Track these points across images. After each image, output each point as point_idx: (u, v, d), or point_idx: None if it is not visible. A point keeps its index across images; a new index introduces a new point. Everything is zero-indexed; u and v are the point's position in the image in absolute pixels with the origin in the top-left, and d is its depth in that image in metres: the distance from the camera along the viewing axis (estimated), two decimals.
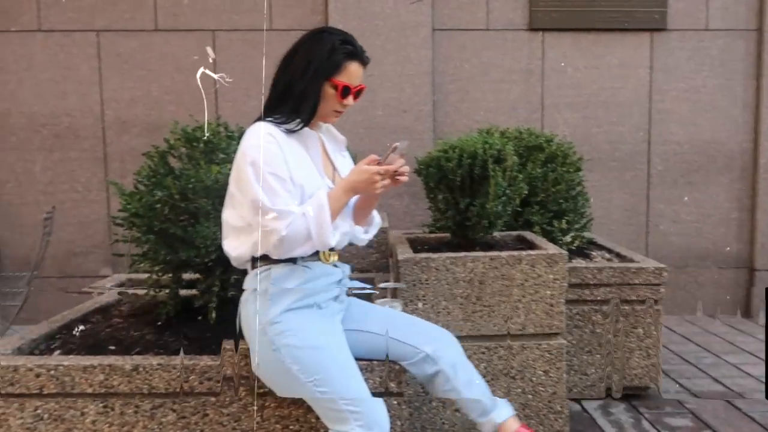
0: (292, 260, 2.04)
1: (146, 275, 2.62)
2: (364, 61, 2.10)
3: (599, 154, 5.44)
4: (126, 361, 2.13)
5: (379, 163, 2.04)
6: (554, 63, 5.40)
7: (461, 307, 2.80)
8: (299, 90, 2.04)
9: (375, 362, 2.15)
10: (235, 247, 2.09)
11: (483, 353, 2.83)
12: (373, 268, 3.47)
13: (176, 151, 2.67)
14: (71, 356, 2.19)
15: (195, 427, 2.12)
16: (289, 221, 1.94)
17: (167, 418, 2.12)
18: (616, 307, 3.25)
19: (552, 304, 2.82)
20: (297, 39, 2.14)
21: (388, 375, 2.15)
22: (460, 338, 2.73)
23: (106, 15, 5.31)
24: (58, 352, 2.34)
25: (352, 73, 2.07)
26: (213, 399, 2.12)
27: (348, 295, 2.28)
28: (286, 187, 1.97)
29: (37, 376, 2.10)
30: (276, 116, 2.06)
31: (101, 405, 2.11)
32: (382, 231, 3.50)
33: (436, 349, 2.13)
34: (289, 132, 2.05)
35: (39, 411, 2.11)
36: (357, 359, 2.04)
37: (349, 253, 3.47)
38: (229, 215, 2.09)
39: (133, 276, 3.05)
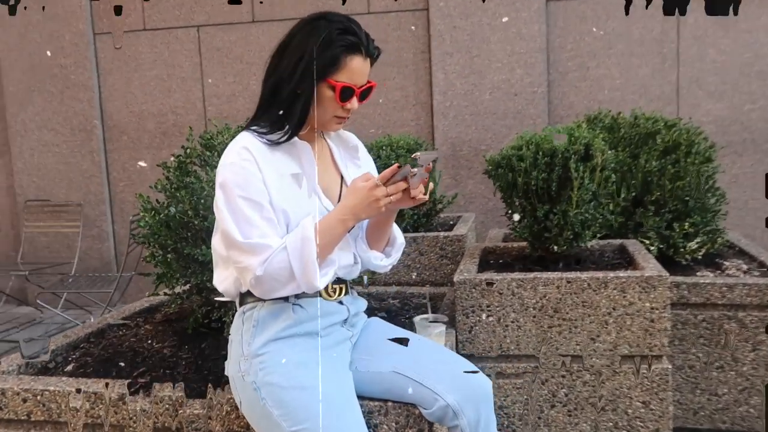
0: (283, 297, 1.68)
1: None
2: (370, 53, 1.66)
3: (753, 135, 4.55)
4: (112, 390, 1.88)
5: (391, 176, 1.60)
6: (694, 29, 4.56)
7: (535, 321, 2.30)
8: (287, 92, 1.65)
9: (391, 404, 1.74)
10: (221, 280, 1.76)
11: (563, 377, 2.31)
12: (447, 281, 3.02)
13: (199, 160, 2.40)
14: (62, 379, 1.99)
15: None
16: (265, 257, 1.57)
17: None
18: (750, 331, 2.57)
19: (652, 319, 2.24)
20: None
21: (406, 421, 1.73)
22: (533, 358, 2.28)
23: (206, 9, 5.22)
24: (71, 365, 2.18)
25: (355, 69, 1.63)
26: None
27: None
28: (264, 214, 1.60)
29: (24, 401, 1.92)
30: (260, 124, 1.69)
31: None
32: (458, 239, 3.04)
33: (461, 400, 1.67)
34: (274, 144, 1.66)
35: None
36: (368, 399, 1.69)
37: (420, 264, 3.05)
38: (215, 242, 1.76)
39: None
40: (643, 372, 2.27)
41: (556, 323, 2.29)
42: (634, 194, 3.03)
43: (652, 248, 2.95)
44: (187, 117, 5.35)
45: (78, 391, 1.89)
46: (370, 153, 3.07)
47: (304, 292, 1.66)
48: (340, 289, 1.79)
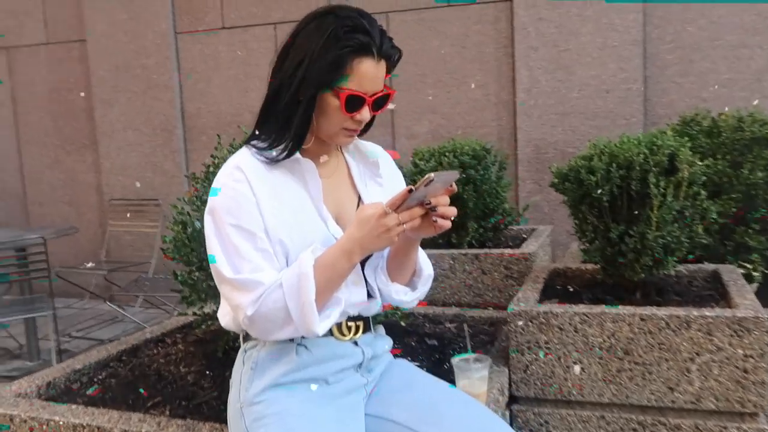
0: None
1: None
2: (385, 55, 1.40)
3: None
4: (114, 425, 1.73)
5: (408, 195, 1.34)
6: None
7: (601, 363, 1.97)
8: (286, 101, 1.41)
9: None
10: (223, 314, 1.56)
11: (634, 431, 1.97)
12: None
13: None
14: (72, 408, 1.87)
15: None
16: (258, 295, 1.35)
17: None
18: None
19: (746, 368, 1.86)
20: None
21: None
22: (599, 406, 1.95)
23: (283, 6, 5.09)
24: (94, 387, 2.06)
25: (364, 74, 1.37)
26: None
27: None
28: (258, 244, 1.37)
29: (31, 429, 1.81)
30: (261, 138, 1.47)
31: None
32: (525, 258, 2.71)
33: None
34: (273, 162, 1.44)
35: None
36: None
37: (482, 284, 2.76)
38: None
39: None
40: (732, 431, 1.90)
41: (626, 367, 1.94)
42: (734, 210, 2.61)
43: (755, 274, 2.53)
44: None
45: (83, 426, 1.75)
46: (431, 159, 2.83)
47: None
48: (357, 327, 1.54)
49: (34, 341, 4.22)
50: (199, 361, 2.22)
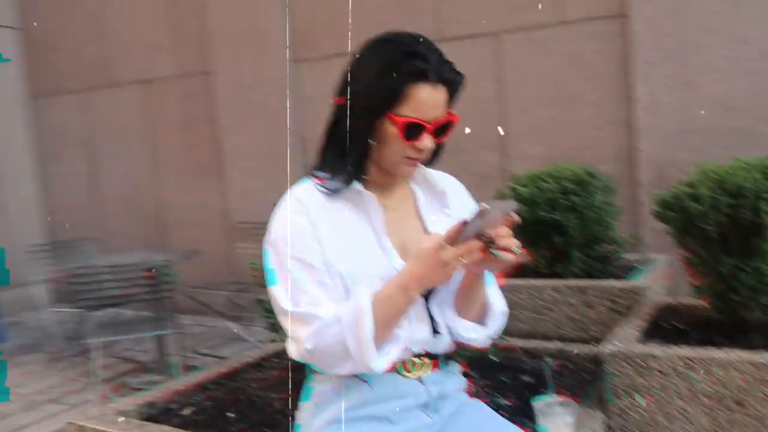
0: None
1: None
2: (444, 79, 1.37)
3: None
4: None
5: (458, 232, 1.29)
6: None
7: (709, 414, 1.79)
8: (345, 130, 1.41)
9: None
10: (289, 344, 1.57)
11: None
12: None
13: None
14: (163, 428, 1.94)
15: None
16: (315, 329, 1.34)
17: None
18: None
19: None
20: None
21: None
22: None
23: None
24: (189, 410, 2.15)
25: (422, 101, 1.34)
26: None
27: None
28: (316, 277, 1.37)
29: None
30: (325, 168, 1.47)
31: None
32: (633, 292, 2.54)
33: None
34: (334, 193, 1.43)
35: None
36: None
37: (587, 318, 2.61)
38: None
39: None
40: None
41: (738, 419, 1.76)
42: None
43: None
44: None
45: None
46: (528, 184, 2.73)
47: None
48: (423, 364, 1.49)
49: (163, 357, 4.48)
50: (289, 389, 2.25)
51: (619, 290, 2.54)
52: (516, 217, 1.33)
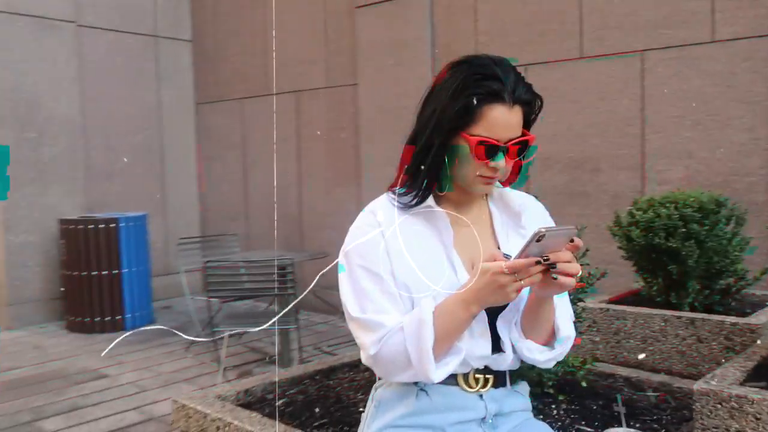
0: None
1: None
2: (519, 100, 1.39)
3: None
4: None
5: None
6: None
7: None
8: (421, 148, 1.47)
9: None
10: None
11: None
12: None
13: None
14: (251, 415, 2.09)
15: None
16: (380, 336, 1.41)
17: None
18: None
19: None
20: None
21: None
22: None
23: (536, 48, 5.10)
24: (282, 401, 2.30)
25: (495, 121, 1.38)
26: None
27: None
28: (384, 287, 1.44)
29: (217, 428, 2.08)
30: (404, 185, 1.53)
31: None
32: (750, 330, 2.36)
33: None
34: (408, 208, 1.49)
35: None
36: None
37: (698, 354, 2.46)
38: None
39: None
40: None
41: None
42: None
43: None
44: None
45: None
46: (648, 210, 2.63)
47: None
48: (486, 380, 1.51)
49: (287, 350, 4.73)
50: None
51: (733, 326, 2.37)
52: (579, 242, 1.32)
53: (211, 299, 4.42)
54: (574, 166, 4.96)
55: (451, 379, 1.48)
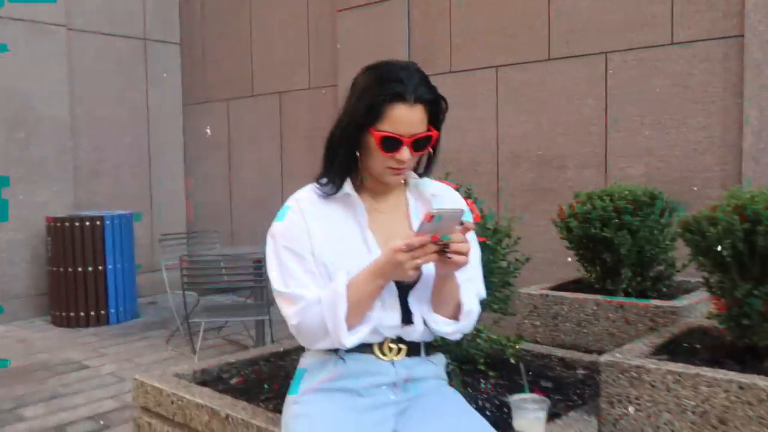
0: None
1: None
2: (418, 100, 1.56)
3: None
4: (223, 409, 2.07)
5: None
6: None
7: (694, 429, 1.81)
8: (335, 143, 1.65)
9: None
10: None
11: None
12: None
13: None
14: (202, 390, 2.25)
15: None
16: (300, 308, 1.58)
17: None
18: None
19: None
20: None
21: None
22: None
23: (506, 50, 5.27)
24: (235, 379, 2.45)
25: (397, 118, 1.56)
26: None
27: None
28: (305, 266, 1.61)
29: (171, 402, 2.23)
30: (324, 174, 1.71)
31: None
32: (672, 312, 2.53)
33: None
34: (328, 196, 1.66)
35: None
36: None
37: (626, 335, 2.63)
38: None
39: None
40: None
41: None
42: None
43: None
44: (482, 155, 5.47)
45: (202, 406, 2.12)
46: (587, 202, 2.80)
47: (357, 346, 1.61)
48: (399, 349, 1.67)
49: (261, 340, 4.90)
50: None
51: (657, 309, 2.54)
52: (469, 224, 1.49)
53: (185, 294, 4.58)
54: (541, 164, 5.13)
55: (367, 348, 1.65)
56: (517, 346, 2.27)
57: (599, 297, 2.73)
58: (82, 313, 6.21)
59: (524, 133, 5.20)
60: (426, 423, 1.61)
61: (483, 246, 2.19)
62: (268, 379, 2.43)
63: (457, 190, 1.98)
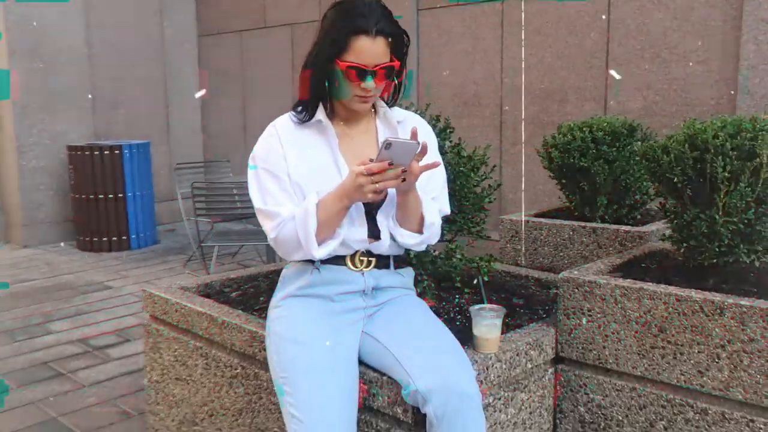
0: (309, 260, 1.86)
1: None
2: (379, 32, 1.71)
3: None
4: (220, 315, 2.31)
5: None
6: None
7: (637, 337, 2.02)
8: (306, 74, 1.82)
9: (386, 378, 1.81)
10: None
11: (663, 407, 1.99)
12: None
13: None
14: (203, 300, 2.49)
15: (253, 395, 2.19)
16: (277, 223, 1.79)
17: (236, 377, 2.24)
18: None
19: None
20: None
21: (395, 398, 1.78)
22: (632, 377, 2.02)
23: None
24: (235, 292, 2.68)
25: (360, 50, 1.72)
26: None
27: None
28: (282, 186, 1.81)
29: (176, 311, 2.48)
30: (299, 104, 1.88)
31: (204, 361, 2.37)
32: (639, 236, 2.71)
33: (433, 388, 1.63)
34: (302, 123, 1.85)
35: (179, 342, 2.50)
36: (371, 369, 1.83)
37: (597, 257, 2.82)
38: None
39: None
40: (760, 427, 1.83)
41: (659, 344, 1.97)
42: None
43: None
44: (486, 88, 5.57)
45: (200, 313, 2.37)
46: (567, 133, 2.95)
47: (331, 258, 1.83)
48: (369, 261, 1.88)
49: (269, 263, 5.16)
50: None
51: (626, 234, 2.72)
52: (425, 151, 1.66)
53: (198, 220, 4.83)
54: (544, 97, 5.23)
55: (340, 260, 1.86)
56: (491, 265, 2.47)
57: (574, 223, 2.91)
58: (104, 239, 6.53)
59: (528, 66, 5.28)
60: (389, 322, 1.83)
61: (457, 172, 2.38)
62: (264, 292, 2.66)
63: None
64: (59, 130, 6.90)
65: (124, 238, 6.58)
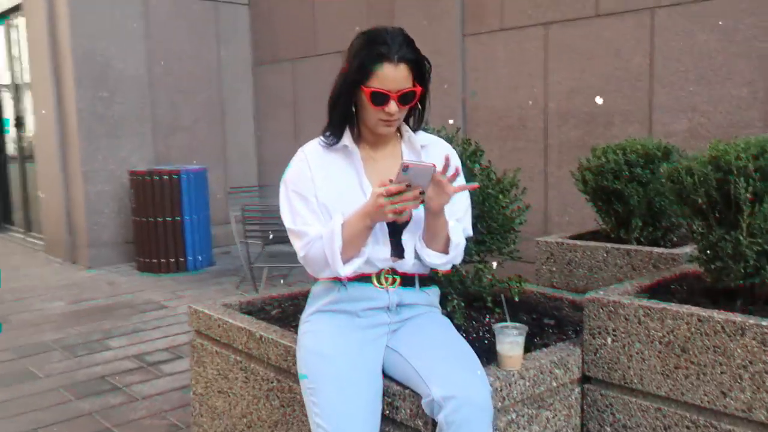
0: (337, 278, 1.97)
1: None
2: (403, 59, 1.82)
3: None
4: (258, 331, 2.43)
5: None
6: None
7: (660, 357, 2.04)
8: (334, 99, 1.94)
9: (408, 391, 1.89)
10: None
11: (687, 428, 2.00)
12: None
13: None
14: (244, 318, 2.62)
15: (289, 409, 2.29)
16: (306, 242, 1.91)
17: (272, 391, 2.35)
18: None
19: None
20: None
21: (417, 410, 1.85)
22: (657, 398, 2.04)
23: (555, 7, 5.36)
24: (275, 311, 2.81)
25: (384, 76, 1.83)
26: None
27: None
28: (310, 207, 1.93)
29: (218, 326, 2.62)
30: (328, 129, 2.01)
31: (243, 374, 2.49)
32: (673, 258, 2.71)
33: (447, 395, 1.69)
34: (330, 148, 1.97)
35: (222, 355, 2.63)
36: (395, 382, 1.92)
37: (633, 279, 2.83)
38: None
39: None
40: None
41: (683, 364, 1.99)
42: None
43: None
44: (531, 112, 5.61)
45: (240, 328, 2.50)
46: (602, 156, 2.99)
47: (357, 276, 1.93)
48: (394, 280, 1.98)
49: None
50: None
51: (659, 256, 2.73)
52: (439, 177, 1.76)
53: (249, 242, 5.00)
54: (589, 120, 5.24)
55: (366, 278, 1.96)
56: (521, 285, 2.52)
57: (608, 245, 2.93)
58: (163, 260, 6.81)
59: (572, 90, 5.31)
60: (412, 336, 1.92)
61: (486, 194, 2.46)
62: (303, 311, 2.77)
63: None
64: (122, 156, 7.26)
65: (181, 259, 6.84)
